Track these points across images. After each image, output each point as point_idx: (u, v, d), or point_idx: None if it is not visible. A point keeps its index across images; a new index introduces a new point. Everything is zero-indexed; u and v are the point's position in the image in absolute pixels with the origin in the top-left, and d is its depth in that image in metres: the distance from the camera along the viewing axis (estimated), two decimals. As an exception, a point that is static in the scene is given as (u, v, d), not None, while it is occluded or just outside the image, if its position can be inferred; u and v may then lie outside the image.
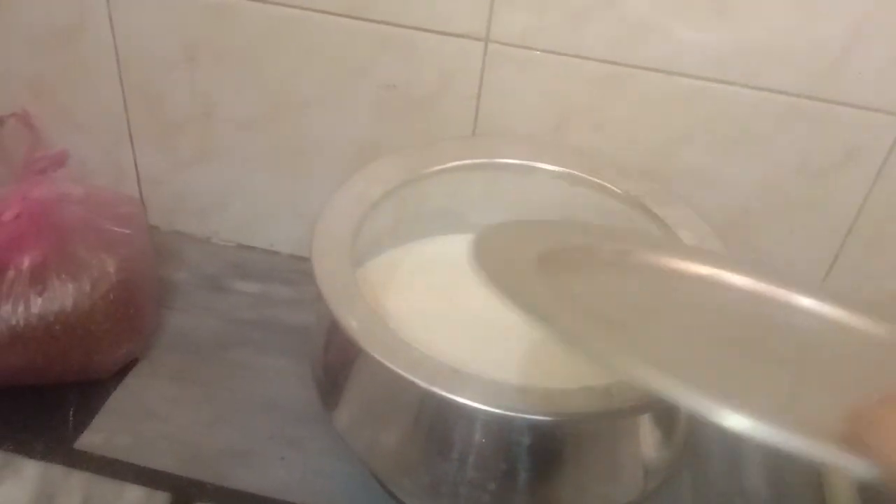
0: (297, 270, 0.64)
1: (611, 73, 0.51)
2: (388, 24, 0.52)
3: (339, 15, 0.52)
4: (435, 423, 0.39)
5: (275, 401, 0.54)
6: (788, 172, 0.52)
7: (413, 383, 0.36)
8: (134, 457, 0.49)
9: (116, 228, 0.54)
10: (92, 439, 0.50)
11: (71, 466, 0.48)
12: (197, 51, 0.56)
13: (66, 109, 0.61)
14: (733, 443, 0.54)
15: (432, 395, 0.36)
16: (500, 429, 0.38)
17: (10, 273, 0.49)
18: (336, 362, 0.43)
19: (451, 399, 0.35)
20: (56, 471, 0.48)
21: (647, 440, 0.42)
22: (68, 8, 0.56)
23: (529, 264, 0.33)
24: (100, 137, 0.62)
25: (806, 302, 0.39)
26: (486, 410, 0.35)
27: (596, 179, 0.50)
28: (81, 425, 0.50)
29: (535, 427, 0.37)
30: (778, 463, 0.53)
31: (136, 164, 0.63)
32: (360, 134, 0.57)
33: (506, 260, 0.32)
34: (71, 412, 0.51)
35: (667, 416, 0.42)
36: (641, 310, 0.36)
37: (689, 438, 0.45)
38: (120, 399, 0.53)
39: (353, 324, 0.38)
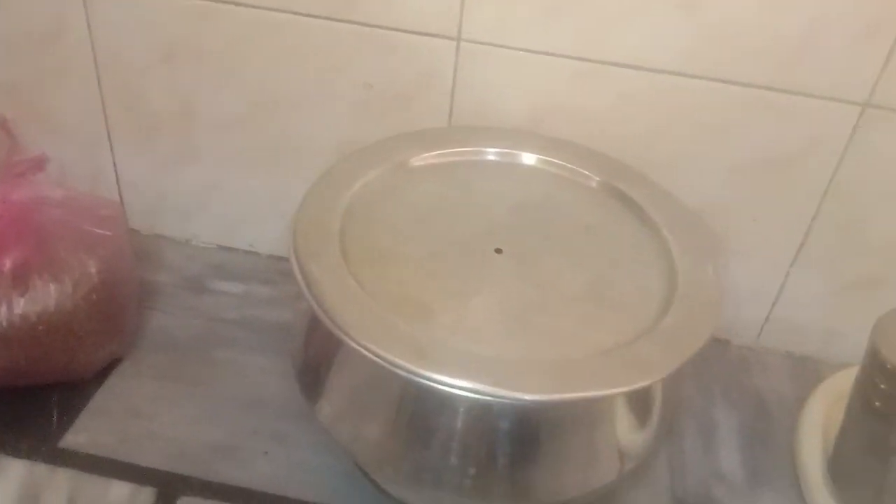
0: (276, 270, 0.65)
1: (582, 69, 0.52)
2: (365, 24, 0.53)
3: (317, 17, 0.53)
4: (415, 409, 0.40)
5: (258, 397, 0.54)
6: (755, 161, 0.54)
7: (393, 370, 0.36)
8: (119, 454, 0.49)
9: (97, 230, 0.54)
10: (76, 438, 0.50)
11: (55, 464, 0.48)
12: (175, 52, 0.57)
13: (44, 113, 0.61)
14: (708, 426, 0.56)
15: (412, 382, 0.37)
16: (480, 413, 0.39)
17: (-8, 275, 0.49)
18: (317, 354, 0.44)
19: (430, 385, 0.36)
20: (41, 469, 0.48)
21: (624, 422, 0.43)
22: (45, 13, 0.56)
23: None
24: (78, 140, 0.62)
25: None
26: (465, 396, 0.36)
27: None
28: (65, 425, 0.51)
29: (513, 410, 0.39)
30: (752, 443, 0.55)
31: (115, 167, 0.63)
32: (338, 132, 0.58)
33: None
34: (54, 412, 0.51)
35: (643, 397, 0.44)
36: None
37: (664, 421, 0.46)
38: (103, 398, 0.53)
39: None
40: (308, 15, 0.54)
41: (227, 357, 0.57)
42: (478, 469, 0.40)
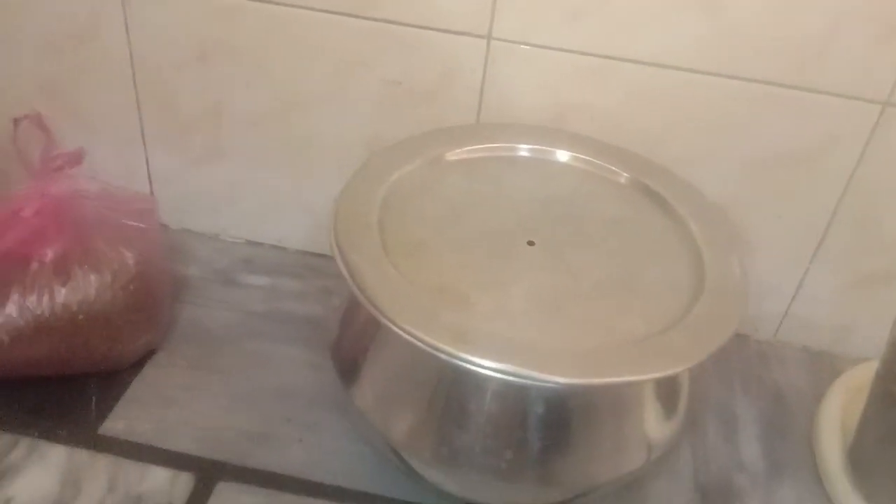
0: (304, 265, 0.67)
1: (604, 66, 0.54)
2: (392, 22, 0.55)
3: (344, 14, 0.55)
4: (454, 392, 0.41)
5: (289, 387, 0.55)
6: (773, 158, 0.55)
7: (435, 354, 0.38)
8: (156, 441, 0.51)
9: (132, 223, 0.56)
10: (114, 425, 0.51)
11: (95, 451, 0.50)
12: (207, 51, 0.58)
13: (79, 110, 0.62)
14: (728, 418, 0.57)
15: (452, 365, 0.38)
16: (517, 397, 0.40)
17: (34, 266, 0.51)
18: (356, 341, 0.45)
19: (470, 368, 0.38)
20: (81, 455, 0.49)
21: (652, 410, 0.44)
22: (82, 11, 0.58)
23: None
24: (112, 137, 0.63)
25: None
26: (503, 379, 0.38)
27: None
28: (104, 412, 0.52)
29: (549, 394, 0.40)
30: (771, 435, 0.56)
31: (147, 163, 0.65)
32: (365, 129, 0.60)
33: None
34: (93, 400, 0.53)
35: (671, 386, 0.45)
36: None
37: (690, 411, 0.47)
38: (140, 387, 0.54)
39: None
40: (332, 11, 0.55)
41: (257, 348, 0.58)
42: (514, 452, 0.41)
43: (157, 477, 0.49)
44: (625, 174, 0.52)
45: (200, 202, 0.66)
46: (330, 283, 0.64)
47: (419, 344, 0.38)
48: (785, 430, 0.57)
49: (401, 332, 0.39)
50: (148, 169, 0.65)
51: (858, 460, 0.51)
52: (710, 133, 0.55)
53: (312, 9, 0.55)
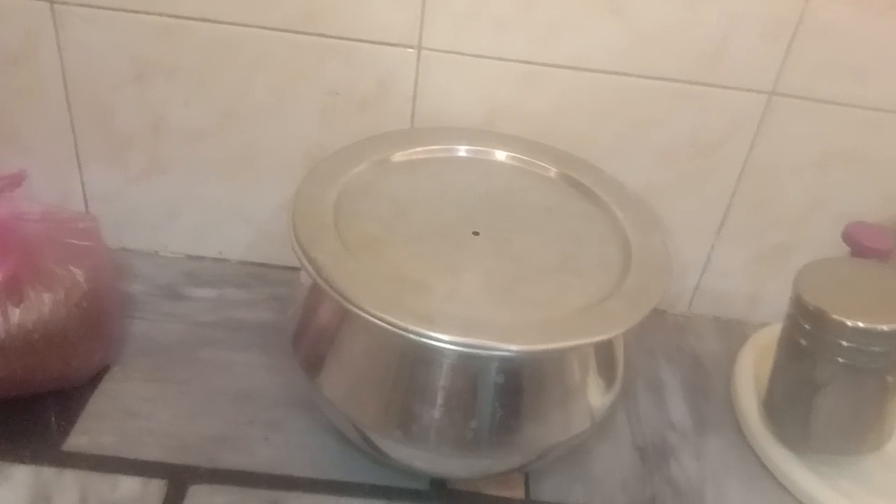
0: (248, 274, 0.68)
1: (529, 71, 0.59)
2: (328, 36, 0.58)
3: (283, 30, 0.58)
4: (423, 371, 0.44)
5: (247, 391, 0.57)
6: (682, 148, 0.62)
7: (405, 335, 0.41)
8: (123, 452, 0.51)
9: (78, 242, 0.56)
10: (78, 440, 0.52)
11: (62, 467, 0.50)
12: (144, 70, 0.59)
13: (10, 133, 0.62)
14: (655, 384, 0.63)
15: (421, 345, 0.41)
16: (481, 369, 0.44)
17: (-15, 288, 0.51)
18: (322, 333, 0.48)
19: (439, 346, 0.41)
20: (47, 473, 0.50)
21: (595, 375, 0.49)
22: (13, 33, 0.58)
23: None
24: (45, 158, 0.63)
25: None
26: (470, 353, 0.42)
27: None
28: (65, 429, 0.52)
29: (509, 364, 0.44)
30: (694, 396, 0.62)
31: (82, 184, 0.65)
32: (306, 140, 0.62)
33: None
34: (53, 418, 0.53)
35: (610, 351, 0.50)
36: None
37: (626, 376, 0.52)
38: (99, 402, 0.55)
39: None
40: (271, 28, 0.58)
41: (211, 356, 0.60)
42: (478, 421, 0.45)
43: (129, 486, 0.50)
44: (554, 169, 0.57)
45: (139, 220, 0.67)
46: (277, 291, 0.66)
47: (387, 327, 0.41)
48: (706, 391, 0.63)
49: (369, 318, 0.42)
50: (83, 189, 0.65)
51: (772, 409, 0.57)
52: (628, 128, 0.61)
53: (251, 25, 0.57)
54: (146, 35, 0.58)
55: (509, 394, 0.45)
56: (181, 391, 0.57)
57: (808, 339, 0.51)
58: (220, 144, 0.63)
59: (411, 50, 0.58)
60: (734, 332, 0.69)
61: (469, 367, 0.44)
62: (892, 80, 0.58)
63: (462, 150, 0.57)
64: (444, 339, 0.41)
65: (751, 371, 0.62)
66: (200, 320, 0.63)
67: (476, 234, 0.50)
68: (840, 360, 0.50)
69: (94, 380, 0.56)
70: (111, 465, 0.51)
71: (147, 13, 0.57)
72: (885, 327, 0.49)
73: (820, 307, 0.50)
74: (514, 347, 0.42)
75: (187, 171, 0.64)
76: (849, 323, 0.49)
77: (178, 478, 0.50)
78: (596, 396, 0.50)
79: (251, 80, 0.60)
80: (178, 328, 0.62)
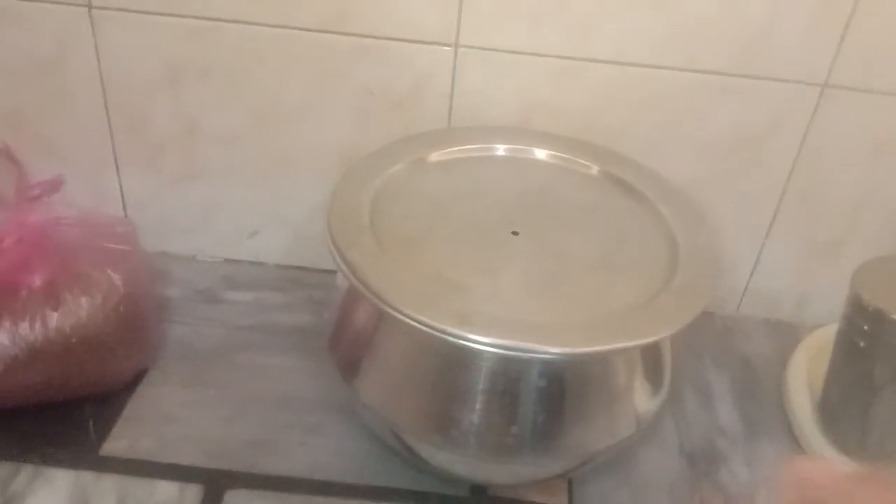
0: (285, 278, 0.68)
1: (567, 66, 0.57)
2: (363, 35, 0.57)
3: (316, 31, 0.57)
4: (460, 373, 0.43)
5: (284, 395, 0.56)
6: (727, 142, 0.59)
7: (441, 336, 0.40)
8: (160, 456, 0.51)
9: (115, 246, 0.56)
10: (116, 445, 0.52)
11: (100, 471, 0.50)
12: (179, 72, 0.59)
13: (49, 139, 0.63)
14: (704, 388, 0.61)
15: (458, 347, 0.40)
16: (521, 372, 0.43)
17: (24, 293, 0.51)
18: (358, 336, 0.47)
19: (475, 348, 0.40)
20: (86, 477, 0.50)
21: (641, 378, 0.47)
22: (50, 38, 0.58)
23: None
24: (83, 164, 0.64)
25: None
26: (507, 355, 0.40)
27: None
28: (103, 434, 0.52)
29: (551, 367, 0.43)
30: (744, 400, 0.60)
31: (121, 188, 0.65)
32: (340, 141, 0.62)
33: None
34: (90, 423, 0.53)
35: (656, 354, 0.48)
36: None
37: (673, 380, 0.50)
38: (136, 407, 0.55)
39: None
40: (304, 28, 0.57)
41: (248, 360, 0.59)
42: (518, 426, 0.43)
43: (166, 490, 0.49)
44: (594, 166, 0.55)
45: (176, 224, 0.67)
46: (315, 294, 0.66)
47: (424, 329, 0.40)
48: (756, 396, 0.60)
49: (406, 319, 0.41)
50: (122, 194, 0.65)
51: (827, 412, 0.55)
52: (669, 123, 0.59)
53: (284, 26, 0.57)
54: (179, 38, 0.58)
55: (551, 398, 0.44)
56: (218, 395, 0.56)
57: (867, 340, 0.49)
58: (254, 147, 0.62)
59: (448, 48, 0.57)
60: (786, 335, 0.66)
61: (509, 369, 0.43)
62: (951, 67, 0.55)
63: (499, 149, 0.56)
64: (482, 341, 0.40)
65: (804, 373, 0.59)
66: (237, 324, 0.62)
67: (515, 233, 0.49)
68: (901, 361, 0.48)
69: (132, 384, 0.56)
70: (148, 470, 0.50)
71: (180, 16, 0.57)
72: (949, 327, 0.46)
73: (879, 307, 0.48)
74: (556, 350, 0.40)
75: (223, 174, 0.64)
76: (910, 323, 0.47)
77: (215, 483, 0.50)
78: (642, 400, 0.48)
79: (285, 81, 0.59)
80: (215, 332, 0.62)
